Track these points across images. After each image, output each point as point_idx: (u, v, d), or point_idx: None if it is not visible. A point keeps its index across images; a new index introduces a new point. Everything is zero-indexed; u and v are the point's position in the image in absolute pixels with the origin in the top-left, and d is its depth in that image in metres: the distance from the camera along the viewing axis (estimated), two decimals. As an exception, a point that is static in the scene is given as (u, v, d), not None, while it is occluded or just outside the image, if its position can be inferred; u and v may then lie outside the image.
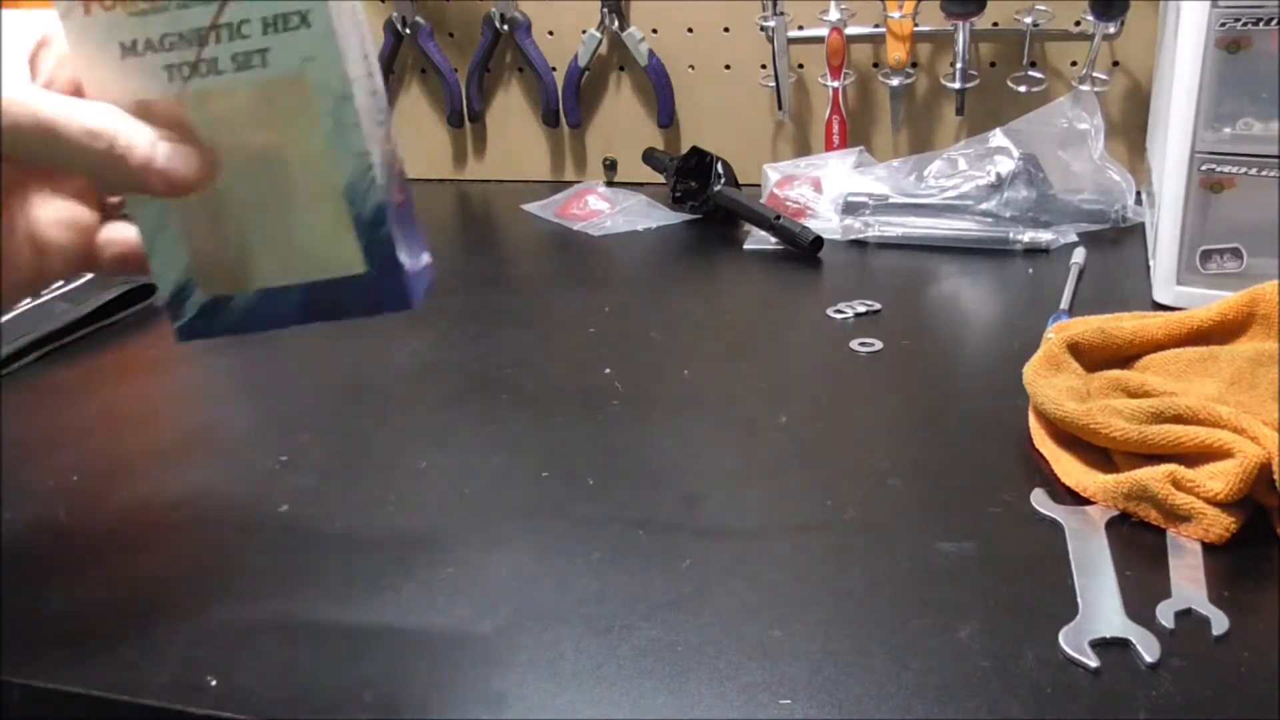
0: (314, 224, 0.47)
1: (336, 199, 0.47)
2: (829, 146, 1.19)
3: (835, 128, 1.18)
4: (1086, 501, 0.56)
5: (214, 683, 0.46)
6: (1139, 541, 0.53)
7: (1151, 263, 0.85)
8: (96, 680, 0.46)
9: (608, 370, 0.75)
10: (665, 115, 1.25)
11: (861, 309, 0.84)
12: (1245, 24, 0.73)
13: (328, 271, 0.48)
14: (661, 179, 1.19)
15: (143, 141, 0.44)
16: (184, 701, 0.45)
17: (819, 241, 0.98)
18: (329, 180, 0.46)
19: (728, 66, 1.23)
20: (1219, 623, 0.46)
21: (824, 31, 1.14)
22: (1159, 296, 0.81)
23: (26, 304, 0.86)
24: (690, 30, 1.23)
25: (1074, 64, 1.12)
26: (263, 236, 0.48)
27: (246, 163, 0.46)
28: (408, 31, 1.29)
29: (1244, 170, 0.76)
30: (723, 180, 1.09)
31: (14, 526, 0.57)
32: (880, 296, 0.86)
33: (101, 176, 0.46)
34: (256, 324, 0.50)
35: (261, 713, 0.44)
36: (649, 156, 1.24)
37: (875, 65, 1.18)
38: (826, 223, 1.03)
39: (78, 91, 0.45)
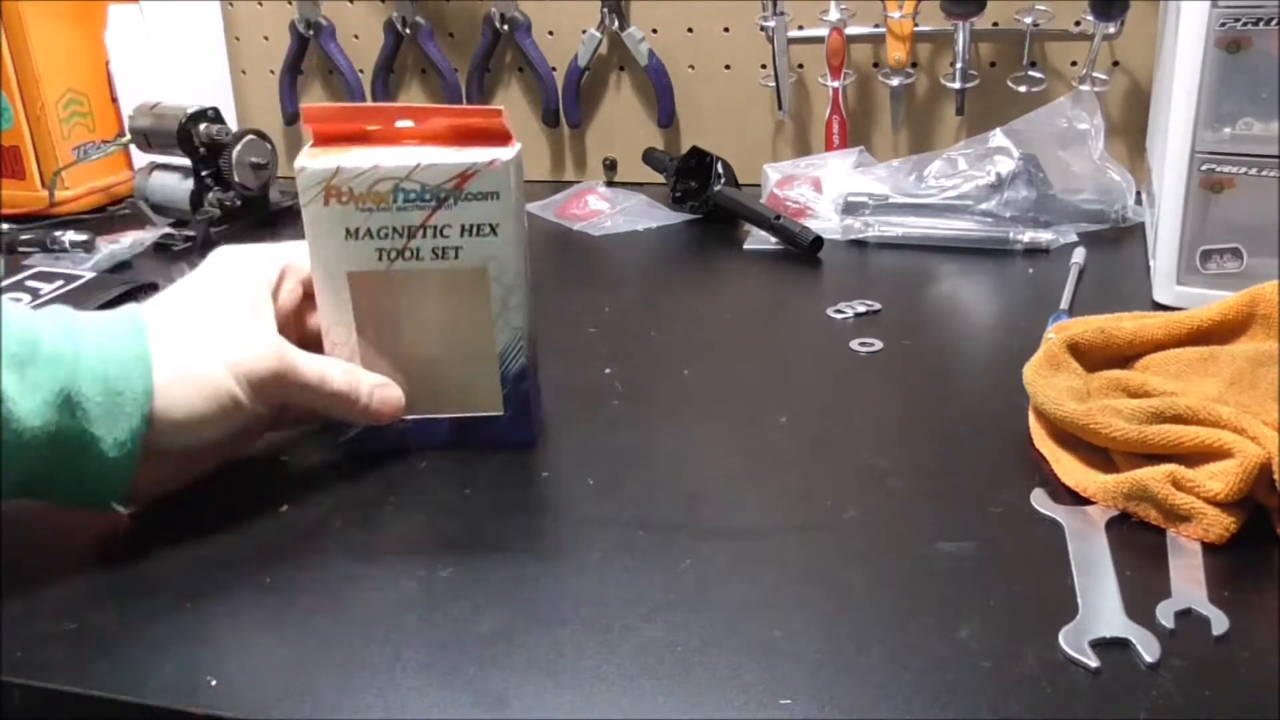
0: (472, 373, 0.62)
1: (493, 358, 0.61)
2: (829, 146, 1.19)
3: (835, 128, 1.18)
4: (1086, 501, 0.56)
5: (214, 682, 0.46)
6: (1139, 541, 0.53)
7: (1151, 263, 0.85)
8: (96, 680, 0.46)
9: (607, 370, 0.75)
10: (665, 115, 1.25)
11: (861, 309, 0.84)
12: (1245, 24, 0.73)
13: (475, 410, 0.63)
14: (661, 179, 1.19)
15: (364, 391, 0.60)
16: (183, 701, 0.45)
17: (819, 241, 0.98)
18: (490, 345, 0.61)
19: (728, 66, 1.23)
20: (1219, 623, 0.46)
21: (824, 31, 1.14)
22: (1159, 296, 0.81)
23: (26, 304, 0.86)
24: (690, 30, 1.23)
25: (1074, 64, 1.12)
26: (428, 376, 0.62)
27: (430, 325, 0.61)
28: (408, 31, 1.29)
29: (1244, 170, 0.76)
30: (723, 180, 1.09)
31: (13, 525, 0.57)
32: (880, 296, 0.86)
33: (330, 413, 0.61)
34: (409, 444, 0.63)
35: (260, 713, 0.44)
36: (649, 156, 1.24)
37: (875, 65, 1.18)
38: (826, 223, 1.03)
39: (302, 306, 0.62)
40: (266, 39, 1.37)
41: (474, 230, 0.57)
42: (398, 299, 0.60)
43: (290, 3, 1.32)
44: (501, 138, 0.58)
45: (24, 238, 1.05)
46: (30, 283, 0.91)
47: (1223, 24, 0.73)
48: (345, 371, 0.60)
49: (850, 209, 1.04)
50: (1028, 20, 1.08)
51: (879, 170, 1.08)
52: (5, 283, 0.91)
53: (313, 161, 0.57)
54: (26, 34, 1.16)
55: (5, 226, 1.09)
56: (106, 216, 1.22)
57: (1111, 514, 0.55)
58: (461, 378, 0.62)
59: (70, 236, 1.03)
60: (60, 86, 1.20)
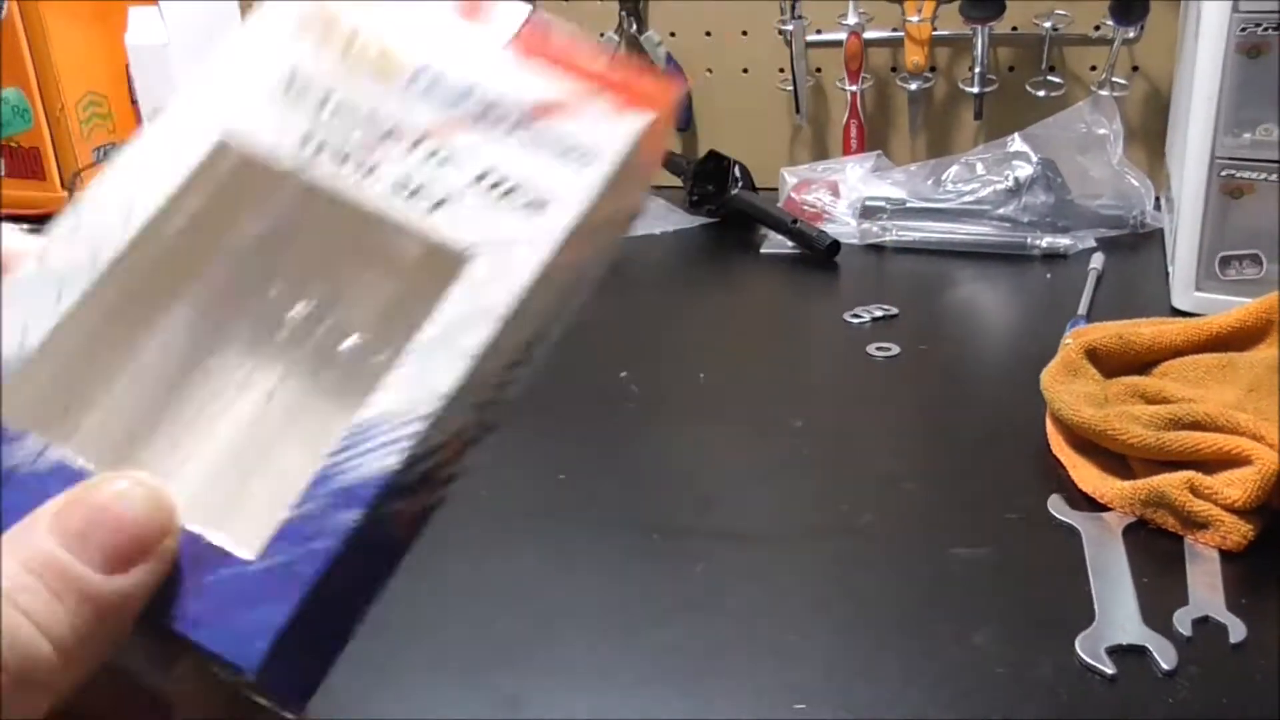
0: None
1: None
2: (846, 150, 1.18)
3: (853, 132, 1.18)
4: (1104, 508, 0.56)
5: (230, 681, 0.46)
6: (1156, 548, 0.52)
7: (1170, 268, 0.85)
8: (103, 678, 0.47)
9: (623, 373, 0.75)
10: (683, 118, 1.25)
11: (879, 313, 0.84)
12: (1266, 29, 0.72)
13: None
14: (679, 182, 1.19)
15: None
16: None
17: (836, 245, 0.98)
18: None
19: (745, 70, 1.23)
20: (1236, 630, 0.46)
21: (842, 35, 1.14)
22: (1178, 302, 0.81)
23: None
24: (708, 34, 1.23)
25: (1093, 68, 1.12)
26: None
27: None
28: (426, 34, 1.29)
29: (1264, 176, 0.75)
30: (740, 184, 1.09)
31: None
32: (897, 301, 0.86)
33: None
34: None
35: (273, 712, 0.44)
36: (666, 160, 1.24)
37: (893, 69, 1.18)
38: (844, 227, 1.03)
39: None
40: (286, 41, 1.37)
41: (510, 188, 0.28)
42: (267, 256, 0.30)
43: (309, 5, 1.33)
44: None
45: (44, 238, 1.05)
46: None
47: (1243, 29, 0.73)
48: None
49: (868, 213, 1.04)
50: (1047, 24, 1.08)
51: (897, 174, 1.08)
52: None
53: None
54: (47, 36, 1.16)
55: (25, 227, 1.10)
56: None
57: (1129, 520, 0.54)
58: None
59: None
60: (80, 88, 1.21)
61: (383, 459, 0.26)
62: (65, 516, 0.23)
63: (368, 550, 0.27)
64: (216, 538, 0.24)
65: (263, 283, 0.30)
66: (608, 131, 0.29)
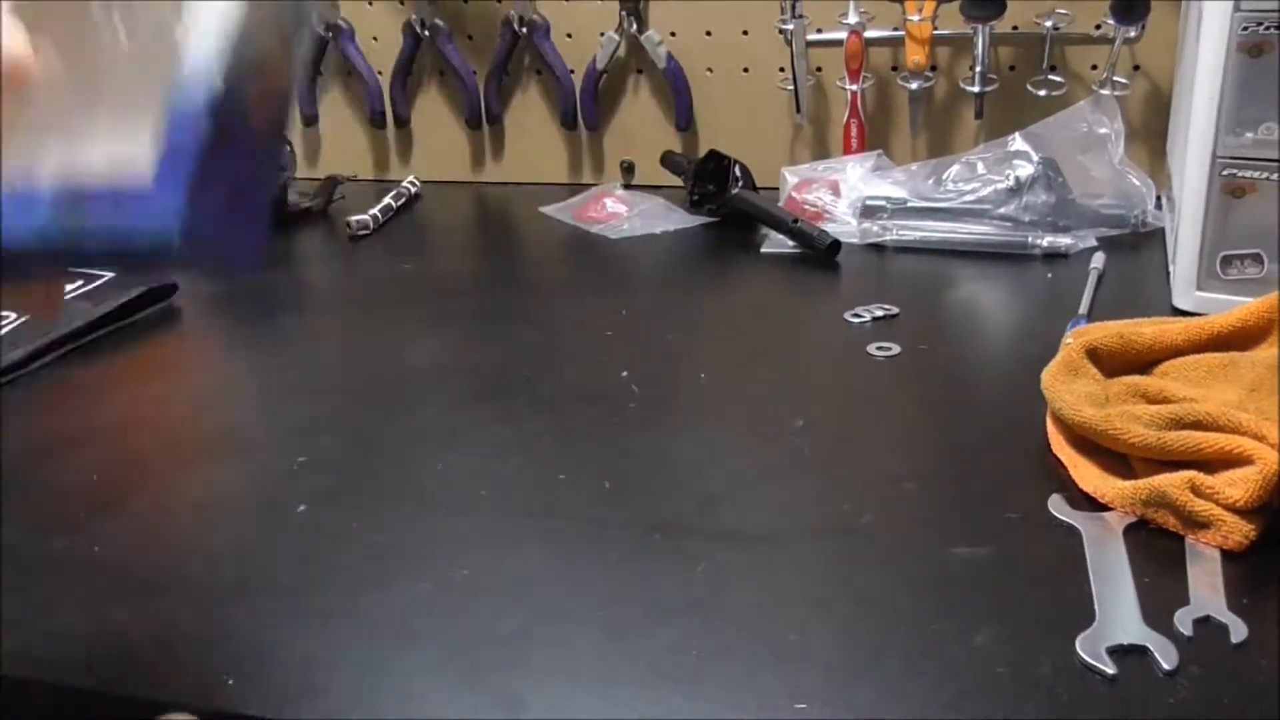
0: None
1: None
2: (847, 150, 1.18)
3: (853, 131, 1.18)
4: (1104, 507, 0.56)
5: (231, 681, 0.46)
6: (1157, 548, 0.52)
7: (1171, 268, 0.84)
8: (114, 679, 0.47)
9: (624, 373, 0.75)
10: (683, 118, 1.25)
11: (879, 313, 0.84)
12: (1267, 28, 0.72)
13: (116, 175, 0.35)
14: (679, 182, 1.19)
15: None
16: (202, 700, 0.45)
17: (836, 245, 0.98)
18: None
19: (746, 69, 1.23)
20: (1238, 630, 0.46)
21: (843, 35, 1.14)
22: (1179, 302, 0.81)
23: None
24: (709, 33, 1.23)
25: (1094, 68, 1.12)
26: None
27: None
28: (426, 34, 1.29)
29: (1265, 175, 0.75)
30: (740, 183, 1.09)
31: (34, 524, 0.58)
32: (898, 300, 0.86)
33: None
34: None
35: (278, 711, 0.44)
36: (667, 159, 1.24)
37: (894, 69, 1.18)
38: (844, 226, 1.03)
39: None
40: (286, 41, 1.37)
41: None
42: None
43: (310, 5, 1.33)
44: None
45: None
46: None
47: (1245, 28, 0.73)
48: None
49: (868, 213, 1.04)
50: (1048, 24, 1.08)
51: (897, 174, 1.08)
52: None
53: None
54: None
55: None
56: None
57: (1130, 520, 0.54)
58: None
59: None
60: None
61: (204, 47, 0.33)
62: None
63: (231, 130, 0.33)
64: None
65: None
66: None
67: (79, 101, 0.35)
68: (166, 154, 0.32)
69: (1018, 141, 1.02)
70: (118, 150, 0.33)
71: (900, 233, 1.01)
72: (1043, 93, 1.11)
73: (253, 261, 0.35)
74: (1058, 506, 0.56)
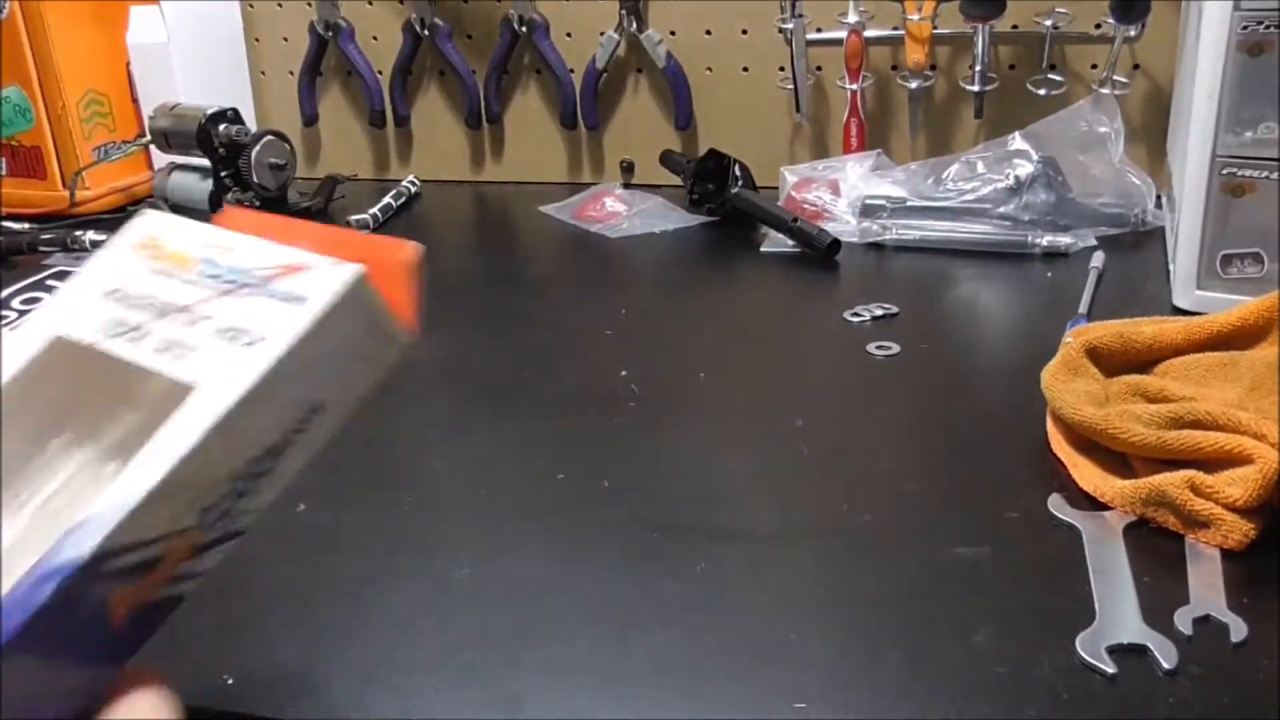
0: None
1: None
2: (847, 149, 1.18)
3: (853, 130, 1.18)
4: (1104, 507, 0.56)
5: (230, 681, 0.46)
6: (1157, 547, 0.52)
7: (1171, 267, 0.84)
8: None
9: (624, 372, 0.75)
10: (683, 117, 1.25)
11: (879, 312, 0.84)
12: (1267, 27, 0.72)
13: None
14: (679, 181, 1.19)
15: None
16: (200, 699, 0.45)
17: (836, 244, 0.98)
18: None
19: (746, 69, 1.23)
20: (1237, 629, 0.46)
21: (842, 34, 1.14)
22: (1179, 301, 0.81)
23: (46, 303, 0.87)
24: (708, 32, 1.23)
25: (1094, 67, 1.12)
26: None
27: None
28: (426, 33, 1.29)
29: (1265, 174, 0.75)
30: (740, 182, 1.09)
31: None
32: (898, 300, 0.86)
33: None
34: None
35: (277, 711, 0.44)
36: (666, 158, 1.23)
37: (894, 68, 1.18)
38: (844, 225, 1.03)
39: None
40: (286, 40, 1.37)
41: (238, 332, 0.36)
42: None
43: (310, 4, 1.33)
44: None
45: (45, 237, 1.05)
46: (50, 282, 0.91)
47: (1245, 27, 0.73)
48: None
49: (868, 212, 1.04)
50: (1048, 23, 1.08)
51: (897, 173, 1.07)
52: (26, 282, 0.91)
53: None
54: (48, 35, 1.16)
55: (26, 226, 1.10)
56: (126, 216, 1.22)
57: (1129, 519, 0.54)
58: None
59: (91, 236, 1.03)
60: (81, 87, 1.21)
61: (77, 547, 0.32)
62: None
63: (73, 620, 0.32)
64: None
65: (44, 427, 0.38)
66: (321, 281, 0.36)
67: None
68: (11, 596, 0.31)
69: (1017, 141, 1.02)
70: None
71: (900, 232, 1.01)
72: (1042, 92, 1.10)
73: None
74: (1058, 506, 0.56)
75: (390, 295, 0.38)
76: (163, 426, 0.34)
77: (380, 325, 0.38)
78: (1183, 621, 0.46)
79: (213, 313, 0.37)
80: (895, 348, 0.77)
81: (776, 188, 1.12)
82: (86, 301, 0.40)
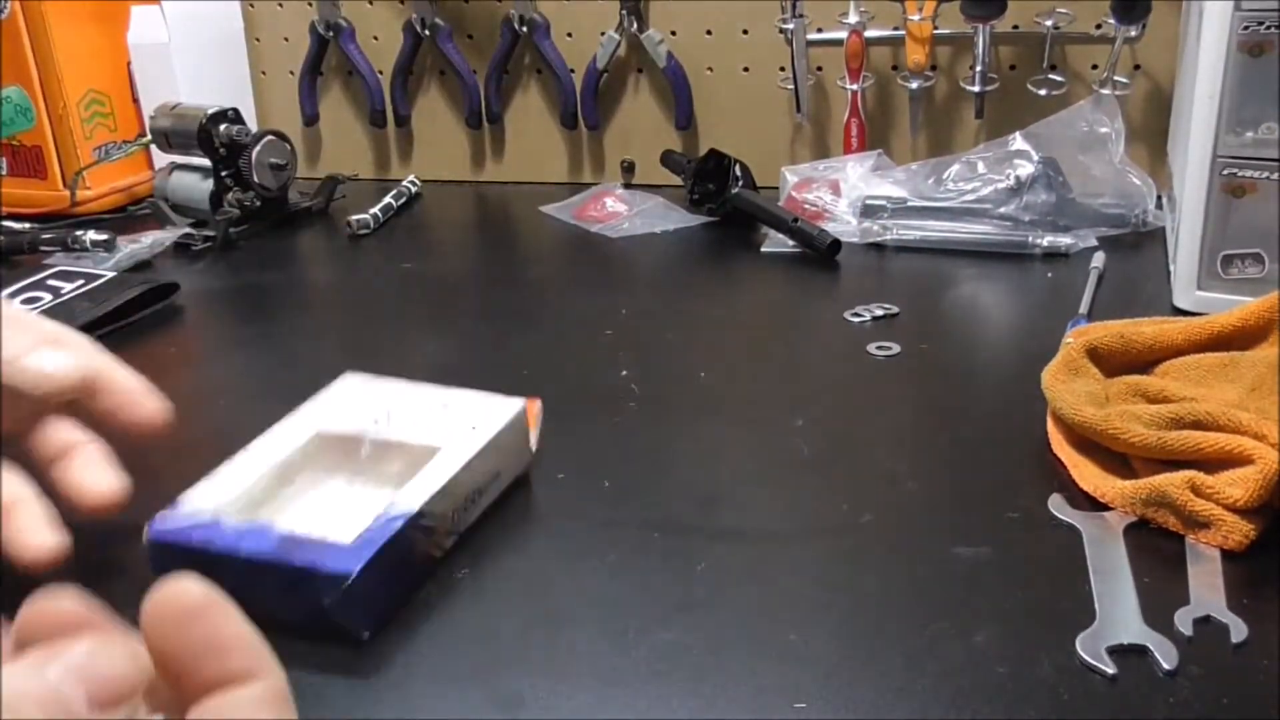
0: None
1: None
2: (847, 149, 1.18)
3: (854, 130, 1.18)
4: (1105, 507, 0.56)
5: (230, 681, 0.46)
6: (1157, 548, 0.52)
7: (1172, 267, 0.84)
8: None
9: (624, 372, 0.75)
10: (683, 117, 1.25)
11: (879, 312, 0.84)
12: (1268, 27, 0.72)
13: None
14: (679, 181, 1.19)
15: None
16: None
17: (837, 244, 0.98)
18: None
19: (746, 69, 1.23)
20: (1238, 630, 0.46)
21: (843, 34, 1.14)
22: (1179, 302, 0.81)
23: (47, 302, 0.87)
24: (709, 32, 1.23)
25: (1095, 67, 1.12)
26: None
27: None
28: (427, 33, 1.29)
29: (1266, 175, 0.75)
30: (740, 183, 1.09)
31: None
32: (898, 300, 0.86)
33: None
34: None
35: (277, 711, 0.44)
36: (667, 158, 1.23)
37: (894, 68, 1.18)
38: (844, 226, 1.03)
39: None
40: (286, 40, 1.37)
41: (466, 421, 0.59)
42: None
43: (310, 4, 1.33)
44: None
45: (45, 237, 1.05)
46: (51, 281, 0.91)
47: (1245, 27, 0.73)
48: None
49: (868, 212, 1.04)
50: (1048, 23, 1.08)
51: (897, 173, 1.07)
52: (27, 281, 0.91)
53: None
54: (49, 35, 1.16)
55: (27, 226, 1.10)
56: (127, 216, 1.23)
57: (1130, 520, 0.54)
58: None
59: (91, 236, 1.03)
60: (82, 87, 1.21)
61: (408, 505, 0.52)
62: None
63: (402, 554, 0.50)
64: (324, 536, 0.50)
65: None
66: (505, 407, 0.60)
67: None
68: (364, 535, 0.49)
69: (1018, 141, 1.02)
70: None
71: (900, 232, 1.01)
72: (1043, 92, 1.10)
73: (376, 625, 0.49)
74: (1058, 506, 0.56)
75: (528, 424, 0.62)
76: (429, 464, 0.55)
77: (523, 437, 0.61)
78: (1183, 622, 0.46)
79: (451, 403, 0.62)
80: (895, 348, 0.77)
81: (777, 188, 1.12)
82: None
